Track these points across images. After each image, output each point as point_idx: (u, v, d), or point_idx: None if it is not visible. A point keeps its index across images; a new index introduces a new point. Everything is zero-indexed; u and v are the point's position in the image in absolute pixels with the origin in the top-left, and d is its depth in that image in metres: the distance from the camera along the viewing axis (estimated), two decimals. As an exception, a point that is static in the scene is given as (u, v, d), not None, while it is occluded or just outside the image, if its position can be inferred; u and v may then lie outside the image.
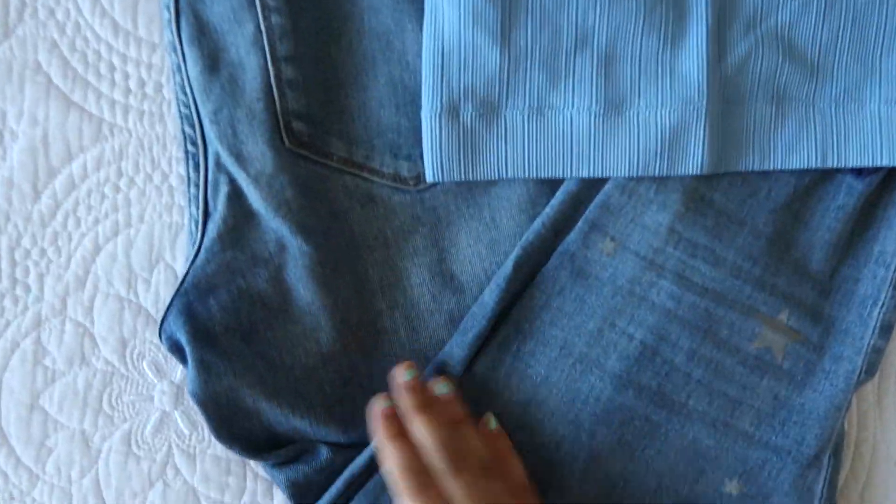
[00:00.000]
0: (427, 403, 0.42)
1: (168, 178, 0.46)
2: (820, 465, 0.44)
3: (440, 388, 0.43)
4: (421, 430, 0.41)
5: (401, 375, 0.42)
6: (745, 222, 0.45)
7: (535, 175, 0.43)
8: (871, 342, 0.44)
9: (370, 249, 0.45)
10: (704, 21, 0.42)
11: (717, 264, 0.44)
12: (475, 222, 0.45)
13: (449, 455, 0.40)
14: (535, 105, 0.43)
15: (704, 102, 0.43)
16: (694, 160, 0.43)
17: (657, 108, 0.43)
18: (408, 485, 0.39)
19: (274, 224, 0.43)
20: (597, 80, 0.42)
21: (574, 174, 0.43)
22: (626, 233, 0.44)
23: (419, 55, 0.43)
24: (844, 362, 0.44)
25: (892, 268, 0.45)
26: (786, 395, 0.44)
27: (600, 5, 0.41)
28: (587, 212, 0.44)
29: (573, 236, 0.44)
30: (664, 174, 0.43)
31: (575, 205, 0.44)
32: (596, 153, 0.43)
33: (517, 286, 0.44)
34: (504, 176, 0.43)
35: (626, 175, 0.43)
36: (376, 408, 0.42)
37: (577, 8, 0.42)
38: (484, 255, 0.45)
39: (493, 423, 0.43)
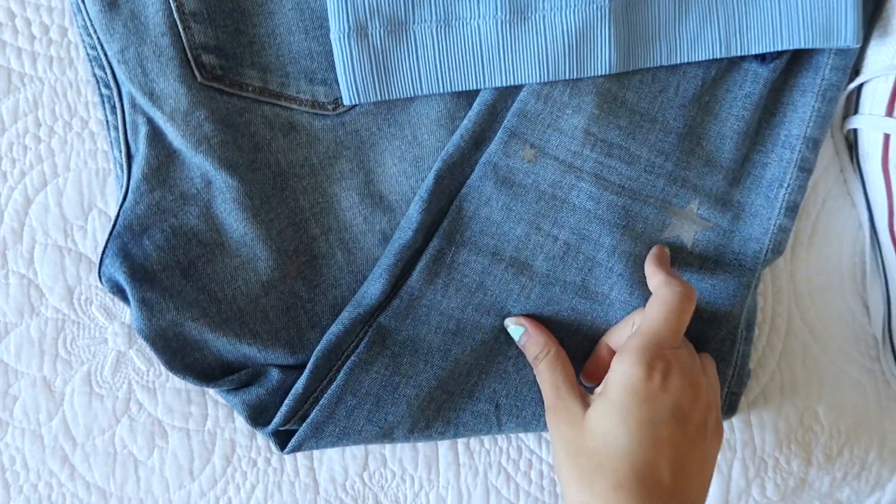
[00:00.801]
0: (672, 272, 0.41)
1: (88, 124, 0.43)
2: (732, 338, 0.45)
3: None
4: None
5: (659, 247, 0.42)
6: (656, 119, 0.43)
7: (448, 88, 0.41)
8: (778, 222, 0.44)
9: (297, 177, 0.43)
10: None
11: (632, 162, 0.43)
12: (398, 141, 0.44)
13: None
14: (443, 17, 0.40)
15: (608, 0, 0.41)
16: (602, 59, 0.41)
17: (562, 9, 0.40)
18: (677, 278, 0.39)
19: (196, 160, 0.40)
20: (501, -14, 0.40)
21: (487, 84, 0.41)
22: (545, 138, 0.43)
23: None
24: (752, 243, 0.44)
25: (798, 150, 0.45)
26: (697, 278, 0.44)
27: None
28: (505, 121, 0.42)
29: (494, 146, 0.42)
30: (575, 76, 0.41)
31: (492, 115, 0.42)
32: (506, 61, 0.41)
33: (441, 198, 0.43)
34: (419, 92, 0.41)
35: (538, 80, 0.41)
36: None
37: None
38: (409, 172, 0.44)
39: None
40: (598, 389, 0.40)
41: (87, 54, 0.41)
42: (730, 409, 0.45)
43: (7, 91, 0.42)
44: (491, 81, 0.41)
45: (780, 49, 0.42)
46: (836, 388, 0.47)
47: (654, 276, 0.40)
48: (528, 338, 0.42)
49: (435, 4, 0.40)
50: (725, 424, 0.47)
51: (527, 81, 0.41)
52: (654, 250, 0.43)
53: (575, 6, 0.40)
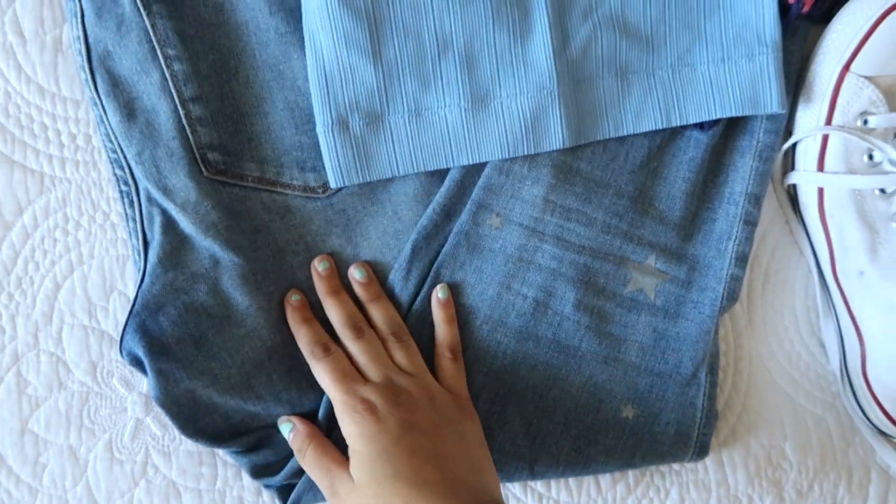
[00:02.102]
0: (337, 289, 0.47)
1: (109, 217, 0.49)
2: (698, 382, 0.48)
3: (357, 273, 0.47)
4: (330, 310, 0.47)
5: (317, 264, 0.47)
6: (609, 185, 0.49)
7: (421, 169, 0.47)
8: (730, 272, 0.49)
9: (294, 253, 0.49)
10: (545, 16, 0.46)
11: (589, 224, 0.48)
12: (380, 217, 0.49)
13: (351, 327, 0.45)
14: (413, 108, 0.46)
15: (556, 86, 0.46)
16: (556, 136, 0.47)
17: (517, 96, 0.47)
18: (311, 351, 0.45)
19: (205, 244, 0.46)
20: (461, 79, 0.46)
21: (455, 163, 0.47)
22: (509, 207, 0.49)
23: (307, 80, 0.47)
24: (708, 292, 0.49)
25: (741, 205, 0.50)
26: (663, 327, 0.49)
27: (453, 13, 0.45)
28: (473, 194, 0.48)
29: (464, 217, 0.48)
30: (532, 152, 0.47)
31: (461, 189, 0.48)
32: (471, 143, 0.47)
33: (420, 266, 0.48)
34: (396, 174, 0.47)
35: (500, 157, 0.47)
36: (287, 301, 0.47)
37: (434, 18, 0.45)
38: (392, 244, 0.49)
39: (443, 293, 0.47)
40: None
41: (109, 157, 0.47)
42: (701, 450, 0.49)
43: (40, 192, 0.49)
44: (458, 161, 0.47)
45: (714, 118, 0.48)
46: (800, 426, 0.50)
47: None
48: (295, 432, 0.46)
49: (405, 98, 0.46)
50: (699, 465, 0.50)
51: (490, 159, 0.47)
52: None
53: (528, 93, 0.46)
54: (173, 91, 0.45)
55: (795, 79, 0.50)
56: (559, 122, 0.47)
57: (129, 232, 0.48)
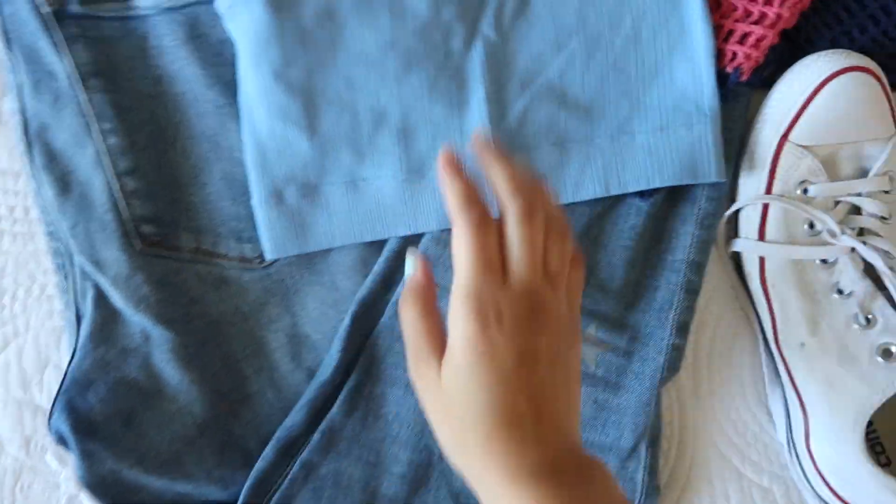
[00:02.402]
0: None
1: (46, 289, 0.49)
2: (638, 456, 0.47)
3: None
4: (502, 172, 0.37)
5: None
6: (548, 254, 0.49)
7: (358, 240, 0.47)
8: (671, 342, 0.48)
9: (230, 325, 0.48)
10: (482, 88, 0.46)
11: (529, 293, 0.48)
12: (318, 287, 0.49)
13: (527, 200, 0.36)
14: (349, 179, 0.46)
15: None
16: (493, 207, 0.47)
17: None
18: (465, 214, 0.36)
19: (136, 318, 0.45)
20: (398, 151, 0.46)
21: (392, 234, 0.47)
22: (447, 278, 0.47)
23: (243, 150, 0.47)
24: (649, 362, 0.48)
25: (682, 273, 0.49)
26: (603, 398, 0.48)
27: (389, 86, 0.45)
28: (411, 265, 0.48)
29: (401, 288, 0.48)
30: (471, 223, 0.48)
31: (400, 259, 0.47)
32: (408, 214, 0.47)
33: (358, 336, 0.47)
34: (332, 245, 0.46)
35: (437, 228, 0.47)
36: (444, 151, 0.37)
37: (370, 92, 0.45)
38: (330, 314, 0.49)
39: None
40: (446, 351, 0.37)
41: (46, 229, 0.47)
42: (645, 522, 0.47)
43: (-24, 264, 0.48)
44: (395, 232, 0.47)
45: (653, 187, 0.48)
46: (746, 498, 0.49)
47: (449, 208, 0.37)
48: (414, 274, 0.39)
49: (341, 169, 0.46)
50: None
51: (427, 230, 0.47)
52: (442, 172, 0.38)
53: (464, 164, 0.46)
54: (108, 164, 0.45)
55: (738, 144, 0.50)
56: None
57: (65, 305, 0.47)
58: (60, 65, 0.45)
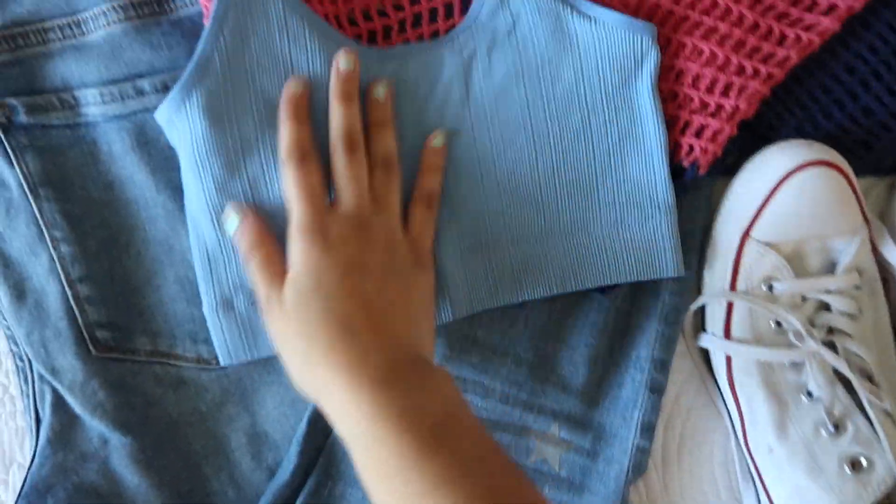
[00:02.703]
0: (350, 96, 0.42)
1: (8, 389, 0.49)
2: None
3: (377, 90, 0.43)
4: (335, 114, 0.42)
5: (341, 61, 0.42)
6: (507, 353, 0.47)
7: (312, 344, 0.47)
8: (636, 443, 0.47)
9: (189, 425, 0.48)
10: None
11: (487, 395, 0.47)
12: (276, 386, 0.48)
13: (349, 139, 0.41)
14: None
15: (443, 257, 0.45)
16: (445, 310, 0.45)
17: None
18: (289, 156, 0.41)
19: (93, 423, 0.46)
20: (347, 255, 0.46)
21: (346, 337, 0.47)
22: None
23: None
24: (614, 464, 0.47)
25: (647, 371, 0.48)
26: (567, 500, 0.46)
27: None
28: (366, 366, 0.48)
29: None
30: (426, 323, 0.47)
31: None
32: None
33: (317, 437, 0.47)
34: (286, 349, 0.47)
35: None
36: (289, 89, 0.42)
37: None
38: (288, 414, 0.48)
39: (438, 141, 0.44)
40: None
41: (5, 333, 0.48)
42: None
43: (-59, 366, 0.49)
44: (349, 333, 0.46)
45: (611, 283, 0.46)
46: None
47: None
48: (242, 231, 0.42)
49: None
50: None
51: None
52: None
53: None
54: (60, 272, 0.46)
55: (701, 236, 0.48)
56: (446, 295, 0.46)
57: (25, 408, 0.48)
58: (11, 174, 0.45)
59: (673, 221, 0.46)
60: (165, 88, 0.45)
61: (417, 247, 0.43)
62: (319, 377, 0.38)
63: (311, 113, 0.43)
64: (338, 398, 0.38)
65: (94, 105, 0.45)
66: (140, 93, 0.45)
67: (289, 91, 0.42)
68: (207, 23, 0.42)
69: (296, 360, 0.40)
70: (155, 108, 0.46)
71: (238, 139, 0.43)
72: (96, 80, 0.45)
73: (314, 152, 0.42)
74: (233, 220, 0.43)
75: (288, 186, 0.41)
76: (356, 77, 0.43)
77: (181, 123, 0.42)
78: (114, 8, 0.45)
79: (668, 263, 0.46)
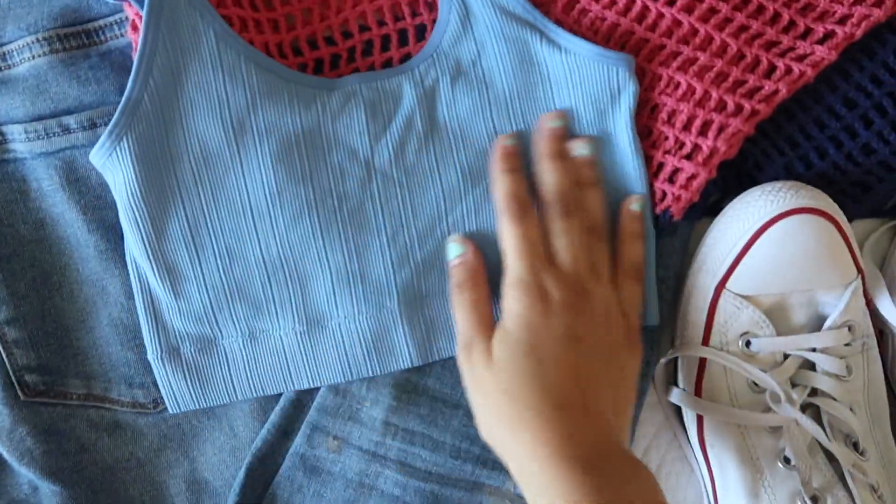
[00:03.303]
0: (562, 154, 0.41)
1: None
2: None
3: (580, 147, 0.42)
4: (547, 174, 0.41)
5: (548, 120, 0.42)
6: (459, 405, 0.44)
7: (259, 394, 0.43)
8: None
9: (125, 470, 0.46)
10: (383, 229, 0.42)
11: (437, 449, 0.44)
12: (217, 432, 0.46)
13: (565, 201, 0.40)
14: (247, 332, 0.43)
15: (396, 305, 0.42)
16: (402, 356, 0.43)
17: (355, 316, 0.42)
18: (509, 209, 0.40)
19: (22, 471, 0.44)
20: (294, 301, 0.42)
21: (294, 387, 0.43)
22: (347, 430, 0.44)
23: (130, 296, 0.44)
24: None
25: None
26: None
27: (279, 235, 0.41)
28: (308, 415, 0.44)
29: (299, 439, 0.44)
30: (378, 374, 0.43)
31: (298, 408, 0.44)
32: (309, 366, 0.43)
33: (256, 487, 0.44)
34: (233, 399, 0.43)
35: (342, 380, 0.43)
36: (500, 144, 0.42)
37: (258, 240, 0.42)
38: (228, 461, 0.46)
39: (636, 206, 0.42)
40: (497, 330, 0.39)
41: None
42: None
43: None
44: (298, 385, 0.44)
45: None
46: None
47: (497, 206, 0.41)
48: (462, 262, 0.41)
49: (238, 322, 0.43)
50: None
51: (330, 382, 0.43)
52: (494, 168, 0.41)
53: (367, 313, 0.43)
54: (-13, 314, 0.44)
55: (675, 283, 0.44)
56: (405, 342, 0.43)
57: (-42, 452, 0.46)
58: (-65, 212, 0.43)
59: (651, 269, 0.42)
60: (93, 125, 0.43)
61: (629, 324, 0.41)
62: (518, 442, 0.37)
63: (250, 156, 0.40)
64: (536, 469, 0.36)
65: (20, 142, 0.43)
66: (66, 130, 0.43)
67: (501, 144, 0.41)
68: (134, 63, 0.38)
69: (491, 416, 0.39)
70: (83, 145, 0.43)
71: (175, 182, 0.40)
72: (22, 115, 0.43)
73: (531, 204, 0.41)
74: (454, 249, 0.42)
75: (505, 242, 0.40)
76: (564, 135, 0.41)
77: (114, 169, 0.39)
78: (39, 40, 0.42)
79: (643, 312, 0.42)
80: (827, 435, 0.40)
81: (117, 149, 0.39)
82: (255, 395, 0.44)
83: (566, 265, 0.39)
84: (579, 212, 0.40)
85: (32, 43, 0.42)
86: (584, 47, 0.41)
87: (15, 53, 0.43)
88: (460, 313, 0.40)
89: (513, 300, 0.39)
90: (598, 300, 0.39)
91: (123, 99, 0.38)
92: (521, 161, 0.41)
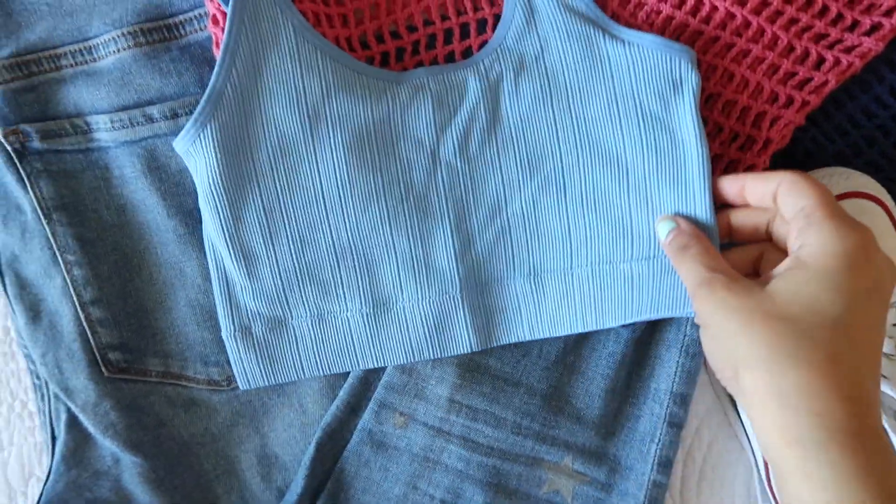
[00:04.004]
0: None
1: (27, 405, 0.50)
2: None
3: None
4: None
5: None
6: (520, 382, 0.46)
7: (326, 372, 0.46)
8: (651, 478, 0.46)
9: (200, 445, 0.49)
10: (447, 217, 0.44)
11: (499, 425, 0.46)
12: (287, 409, 0.49)
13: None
14: (316, 314, 0.45)
15: (458, 291, 0.44)
16: (462, 341, 0.45)
17: (419, 300, 0.45)
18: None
19: (105, 443, 0.46)
20: (362, 284, 0.45)
21: (359, 366, 0.46)
22: (413, 407, 0.47)
23: (206, 278, 0.47)
24: (629, 498, 0.46)
25: (666, 404, 0.47)
26: (579, 535, 0.46)
27: (349, 221, 0.44)
28: (375, 392, 0.47)
29: (367, 415, 0.47)
30: (438, 357, 0.45)
31: (366, 386, 0.47)
32: (374, 347, 0.45)
33: (325, 461, 0.47)
34: (301, 377, 0.46)
35: (404, 362, 0.45)
36: (669, 235, 0.41)
37: (329, 226, 0.44)
38: (298, 437, 0.49)
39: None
40: (780, 265, 0.36)
41: (23, 351, 0.49)
42: None
43: (-37, 380, 0.50)
44: (363, 364, 0.46)
45: (631, 322, 0.45)
46: None
47: (764, 182, 0.38)
48: (677, 231, 0.40)
49: (307, 304, 0.45)
50: None
51: (393, 363, 0.46)
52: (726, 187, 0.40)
53: (430, 298, 0.45)
54: (73, 295, 0.46)
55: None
56: (465, 328, 0.45)
57: (41, 425, 0.49)
58: (26, 199, 0.46)
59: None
60: (175, 115, 0.45)
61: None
62: (799, 378, 0.33)
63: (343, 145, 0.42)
64: (816, 408, 0.32)
65: (105, 131, 0.45)
66: (150, 119, 0.45)
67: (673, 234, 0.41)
68: (219, 55, 0.41)
69: (761, 345, 0.34)
70: (164, 134, 0.46)
71: (252, 169, 0.42)
72: (107, 106, 0.45)
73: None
74: (665, 226, 0.41)
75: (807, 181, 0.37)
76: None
77: (197, 155, 0.42)
78: (124, 34, 0.45)
79: (689, 303, 0.44)
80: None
81: (201, 136, 0.41)
82: (321, 373, 0.46)
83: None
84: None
85: (118, 37, 0.45)
86: (646, 39, 0.42)
87: (101, 47, 0.45)
88: (690, 263, 0.38)
89: (838, 231, 0.35)
90: (890, 291, 0.36)
91: (208, 89, 0.41)
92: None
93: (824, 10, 0.44)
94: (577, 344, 0.47)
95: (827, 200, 0.36)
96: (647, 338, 0.47)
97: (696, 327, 0.46)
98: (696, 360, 0.46)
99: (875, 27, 0.43)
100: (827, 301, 0.34)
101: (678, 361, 0.46)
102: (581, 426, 0.46)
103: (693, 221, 0.42)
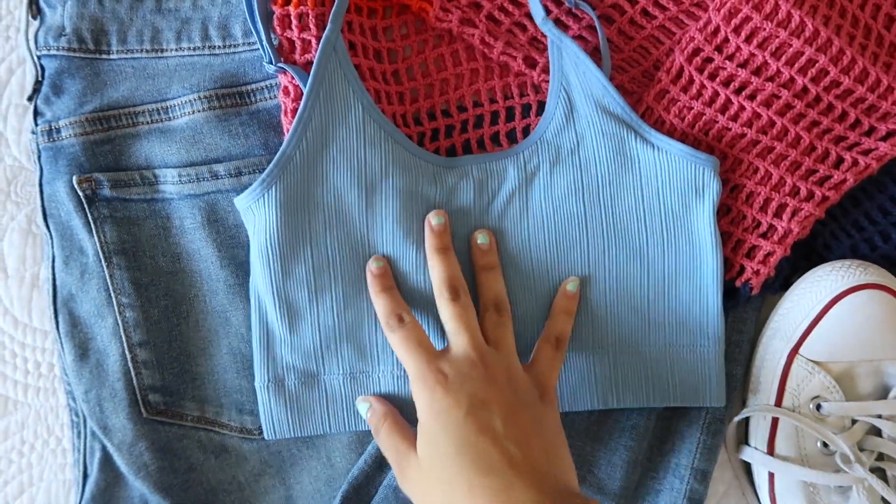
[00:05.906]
0: (447, 247, 0.45)
1: (61, 442, 0.52)
2: None
3: (481, 238, 0.46)
4: (435, 266, 0.45)
5: (433, 218, 0.46)
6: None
7: (353, 429, 0.47)
8: (671, 556, 0.47)
9: (226, 493, 0.50)
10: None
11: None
12: (314, 462, 0.50)
13: (451, 285, 0.44)
14: (349, 371, 0.47)
15: None
16: None
17: None
18: (387, 323, 0.44)
19: (136, 484, 0.48)
20: (396, 348, 0.47)
21: (387, 422, 0.48)
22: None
23: (250, 329, 0.49)
24: (647, 575, 0.47)
25: (687, 480, 0.48)
26: None
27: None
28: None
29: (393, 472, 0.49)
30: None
31: (394, 444, 0.49)
32: (401, 407, 0.47)
33: (348, 517, 0.48)
34: (328, 431, 0.47)
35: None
36: (368, 269, 0.46)
37: None
38: (323, 490, 0.50)
39: (572, 286, 0.46)
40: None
41: (65, 388, 0.50)
42: None
43: (3, 414, 0.52)
44: (390, 419, 0.47)
45: (652, 406, 0.47)
46: None
47: None
48: (371, 412, 0.45)
49: (341, 362, 0.47)
50: None
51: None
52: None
53: None
54: (123, 336, 0.49)
55: (749, 348, 0.49)
56: None
57: (75, 462, 0.50)
58: (89, 242, 0.49)
59: (720, 352, 0.46)
60: (238, 174, 0.49)
61: (541, 382, 0.44)
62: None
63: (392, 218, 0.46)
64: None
65: (171, 184, 0.49)
66: (215, 176, 0.49)
67: (370, 270, 0.46)
68: (292, 124, 0.45)
69: None
70: (227, 190, 0.49)
71: (308, 229, 0.45)
72: (176, 161, 0.49)
73: (409, 312, 0.45)
74: (363, 406, 0.46)
75: (397, 351, 0.44)
76: (448, 229, 0.46)
77: (258, 213, 0.45)
78: (199, 98, 0.49)
79: (711, 393, 0.46)
80: None
81: (265, 195, 0.44)
82: (348, 429, 0.47)
83: (459, 343, 0.43)
84: (467, 293, 0.44)
85: (194, 100, 0.49)
86: (675, 147, 0.46)
87: (177, 108, 0.49)
88: (385, 451, 0.44)
89: (417, 394, 0.42)
90: (497, 365, 0.42)
91: (279, 153, 0.44)
92: (391, 279, 0.46)
93: (844, 115, 0.47)
94: (603, 413, 0.48)
95: (409, 372, 0.43)
96: (669, 413, 0.49)
97: (719, 406, 0.47)
98: (717, 437, 0.47)
99: (890, 133, 0.47)
100: (442, 448, 0.40)
101: (699, 438, 0.48)
102: (602, 497, 0.47)
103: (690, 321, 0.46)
